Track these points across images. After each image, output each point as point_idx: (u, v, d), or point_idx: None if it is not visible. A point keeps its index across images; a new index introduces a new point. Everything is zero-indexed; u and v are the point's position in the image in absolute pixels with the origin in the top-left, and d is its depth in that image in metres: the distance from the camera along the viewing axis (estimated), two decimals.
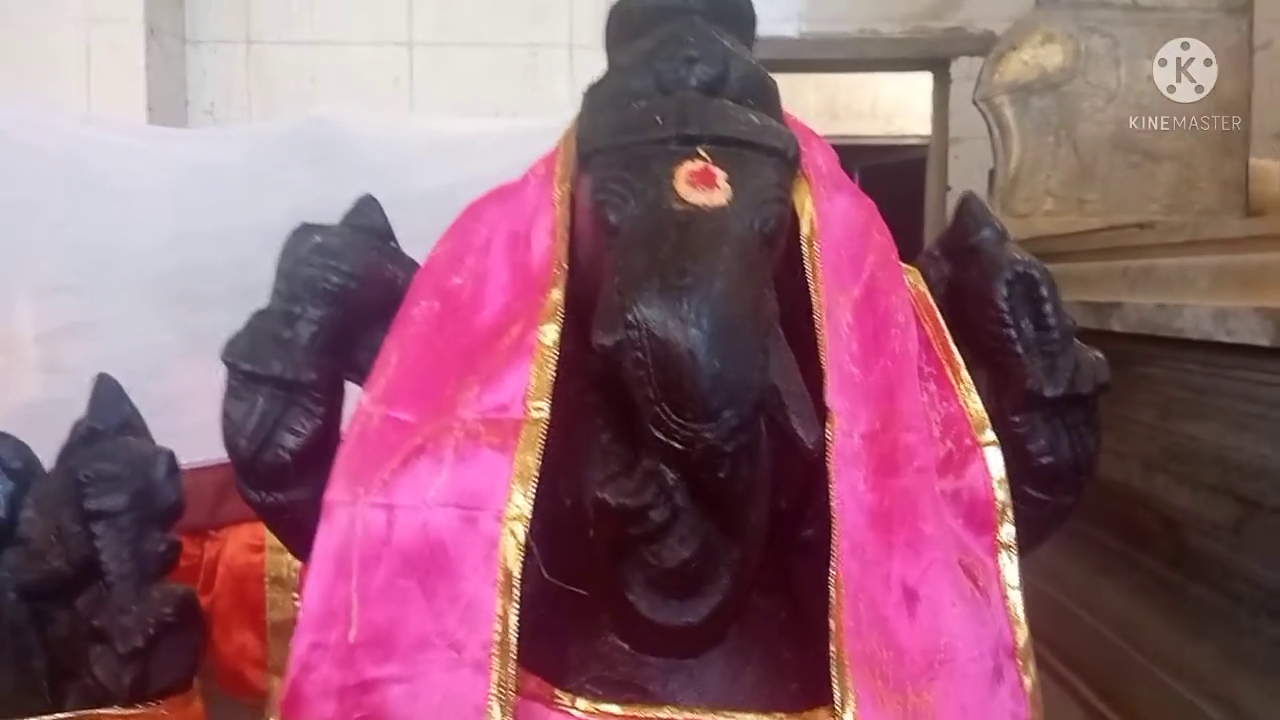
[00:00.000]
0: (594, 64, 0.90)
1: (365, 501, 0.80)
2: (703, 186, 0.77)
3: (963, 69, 5.01)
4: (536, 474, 0.77)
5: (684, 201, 0.76)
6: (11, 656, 0.94)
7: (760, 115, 0.82)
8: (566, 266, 0.85)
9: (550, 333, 0.82)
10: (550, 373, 0.80)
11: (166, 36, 3.17)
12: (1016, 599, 0.84)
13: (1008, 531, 0.85)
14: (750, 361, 0.71)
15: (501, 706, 0.73)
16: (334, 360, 0.89)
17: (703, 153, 0.78)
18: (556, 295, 0.83)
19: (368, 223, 0.93)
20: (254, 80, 3.45)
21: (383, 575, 0.78)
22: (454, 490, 0.78)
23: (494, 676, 0.74)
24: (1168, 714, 1.11)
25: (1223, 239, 1.94)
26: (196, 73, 3.39)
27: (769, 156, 0.80)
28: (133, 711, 0.91)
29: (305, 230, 0.91)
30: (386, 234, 0.94)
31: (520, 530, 0.76)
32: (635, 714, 0.74)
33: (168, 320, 1.86)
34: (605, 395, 0.83)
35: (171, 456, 0.98)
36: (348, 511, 0.81)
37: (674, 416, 0.71)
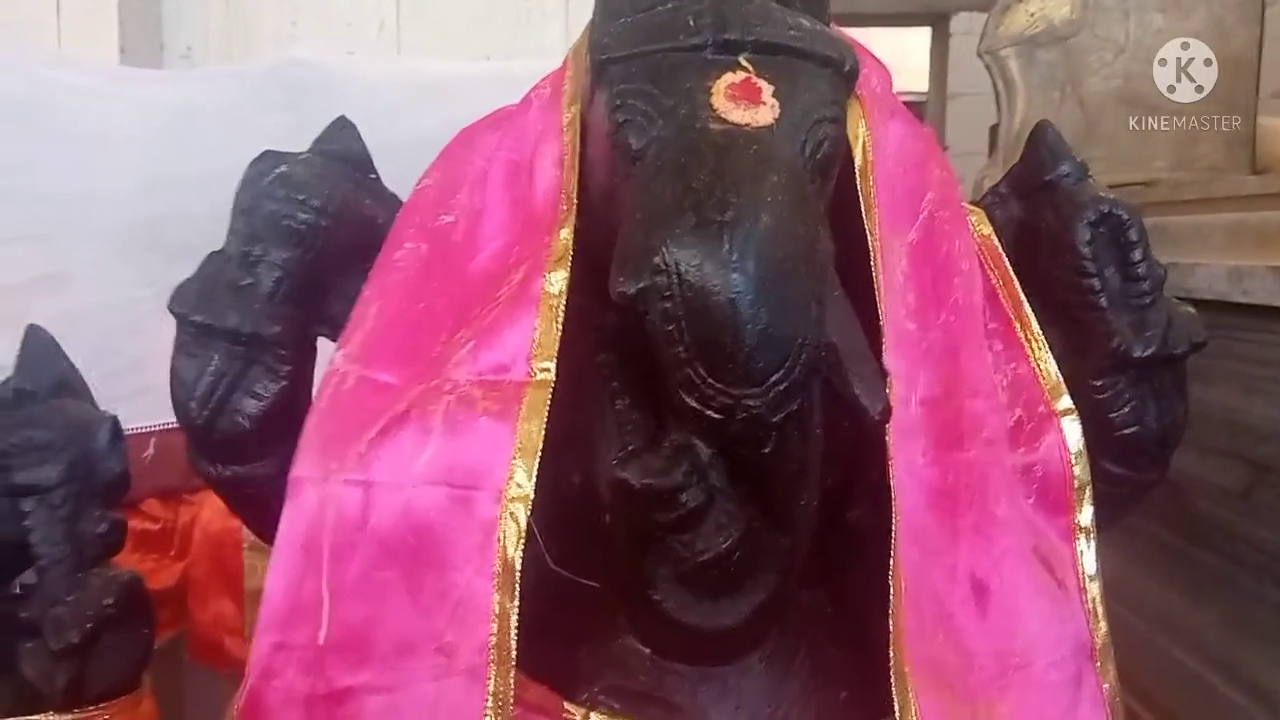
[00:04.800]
0: (590, 10, 0.77)
1: (338, 478, 0.67)
2: (745, 102, 0.64)
3: (962, 24, 4.87)
4: (541, 446, 0.65)
5: (723, 120, 0.63)
6: None
7: (810, 19, 0.69)
8: (576, 202, 0.72)
9: (557, 280, 0.69)
10: (557, 327, 0.68)
11: None
12: (1096, 591, 0.72)
13: (1087, 514, 0.73)
14: (803, 313, 0.58)
15: None
16: (302, 312, 0.76)
17: (745, 62, 0.65)
18: (565, 236, 0.70)
19: (342, 150, 0.79)
20: (233, 23, 3.28)
21: (358, 566, 0.66)
22: (443, 465, 0.65)
23: (490, 686, 0.62)
24: (1167, 680, 1.03)
25: (1237, 196, 1.86)
26: (172, 14, 3.22)
27: (822, 68, 0.67)
28: (69, 717, 0.79)
29: (268, 158, 0.78)
30: (365, 163, 0.81)
31: (522, 513, 0.63)
32: None
33: (140, 272, 1.72)
34: (621, 354, 0.70)
35: (115, 422, 0.84)
36: (318, 490, 0.68)
37: (710, 379, 0.58)
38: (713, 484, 0.60)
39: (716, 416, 0.58)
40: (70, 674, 0.77)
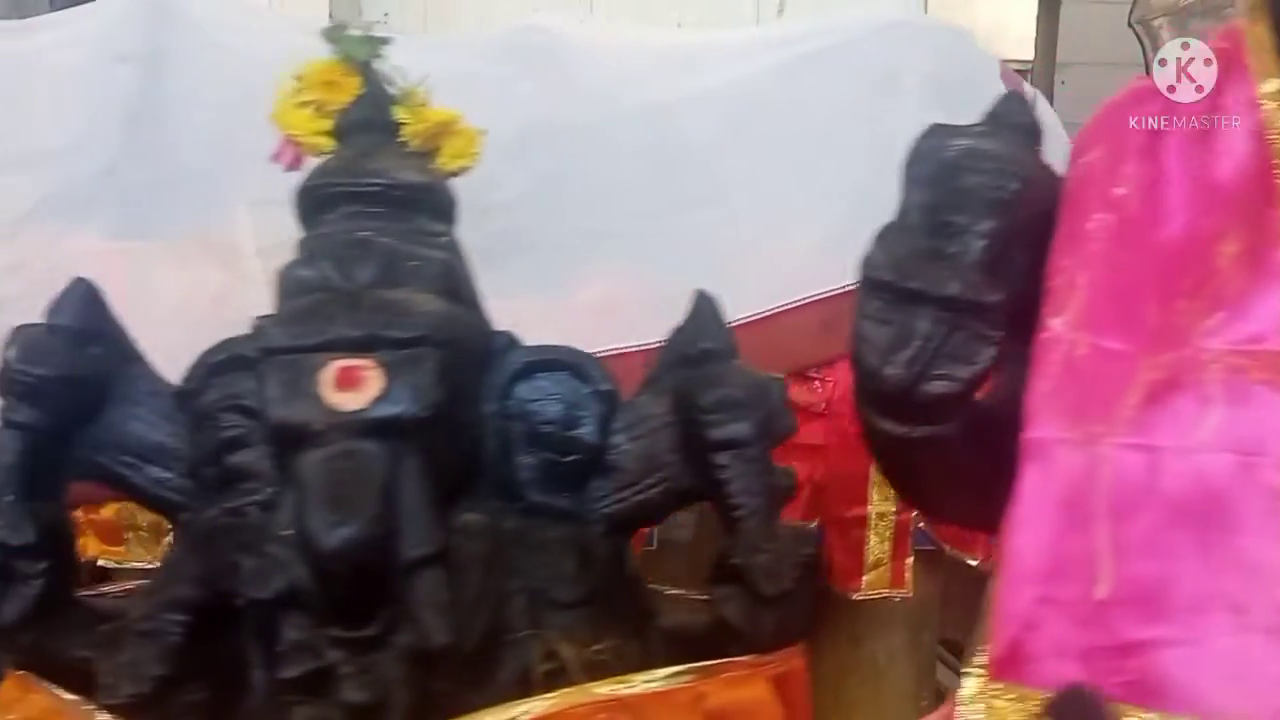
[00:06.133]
0: None
1: (1110, 441, 0.70)
2: None
3: None
4: None
5: None
6: (604, 596, 0.87)
7: None
8: None
9: None
10: None
11: None
12: None
13: None
14: None
15: None
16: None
17: None
18: None
19: (1017, 121, 0.81)
20: None
21: (1144, 526, 0.69)
22: (1228, 432, 0.68)
23: None
24: None
25: None
26: None
27: None
28: (767, 660, 0.84)
29: (943, 131, 0.80)
30: (1035, 134, 0.83)
31: None
32: None
33: None
34: None
35: (783, 382, 0.89)
36: (1081, 452, 0.71)
37: None
38: None
39: None
40: (776, 617, 0.82)
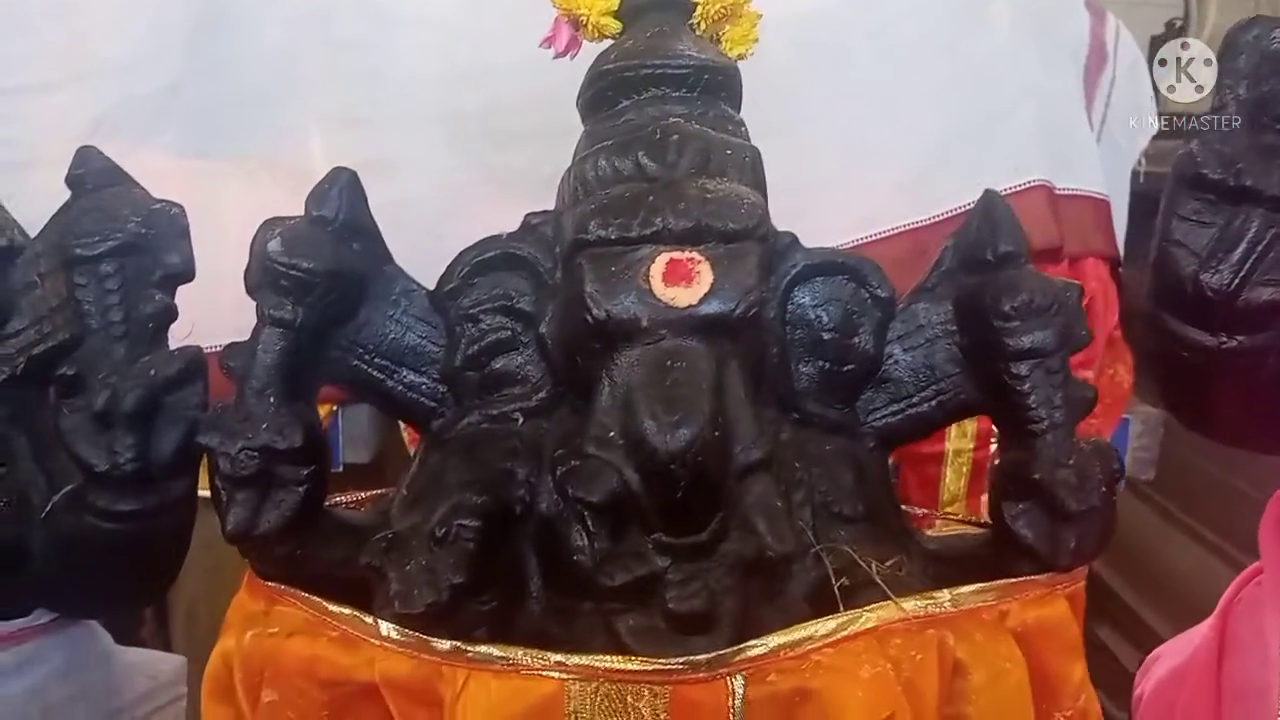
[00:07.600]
0: None
1: None
2: None
3: None
4: None
5: None
6: (879, 512, 0.84)
7: None
8: None
9: None
10: None
11: None
12: None
13: None
14: None
15: None
16: None
17: None
18: None
19: None
20: None
21: None
22: None
23: None
24: None
25: None
26: None
27: None
28: (1063, 578, 0.82)
29: (1264, 22, 0.76)
30: None
31: None
32: None
33: (468, 158, 1.69)
34: None
35: (1080, 289, 0.84)
36: None
37: None
38: None
39: None
40: (1077, 535, 0.80)
